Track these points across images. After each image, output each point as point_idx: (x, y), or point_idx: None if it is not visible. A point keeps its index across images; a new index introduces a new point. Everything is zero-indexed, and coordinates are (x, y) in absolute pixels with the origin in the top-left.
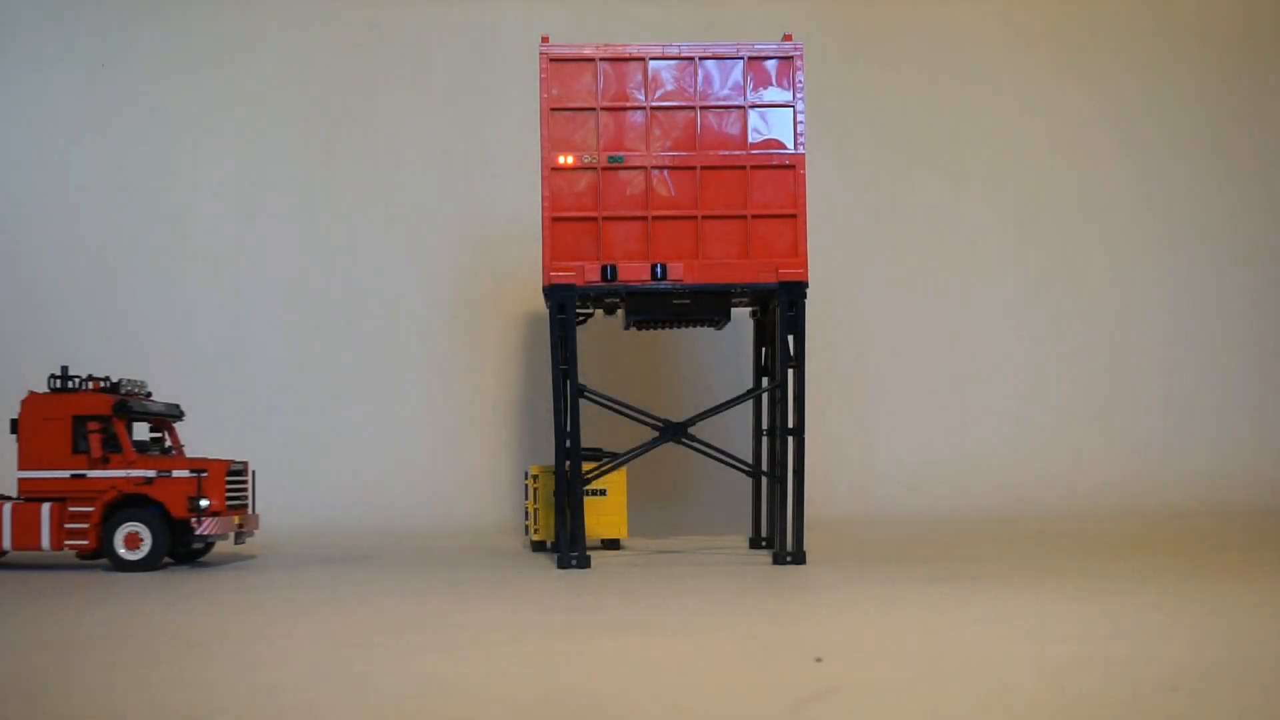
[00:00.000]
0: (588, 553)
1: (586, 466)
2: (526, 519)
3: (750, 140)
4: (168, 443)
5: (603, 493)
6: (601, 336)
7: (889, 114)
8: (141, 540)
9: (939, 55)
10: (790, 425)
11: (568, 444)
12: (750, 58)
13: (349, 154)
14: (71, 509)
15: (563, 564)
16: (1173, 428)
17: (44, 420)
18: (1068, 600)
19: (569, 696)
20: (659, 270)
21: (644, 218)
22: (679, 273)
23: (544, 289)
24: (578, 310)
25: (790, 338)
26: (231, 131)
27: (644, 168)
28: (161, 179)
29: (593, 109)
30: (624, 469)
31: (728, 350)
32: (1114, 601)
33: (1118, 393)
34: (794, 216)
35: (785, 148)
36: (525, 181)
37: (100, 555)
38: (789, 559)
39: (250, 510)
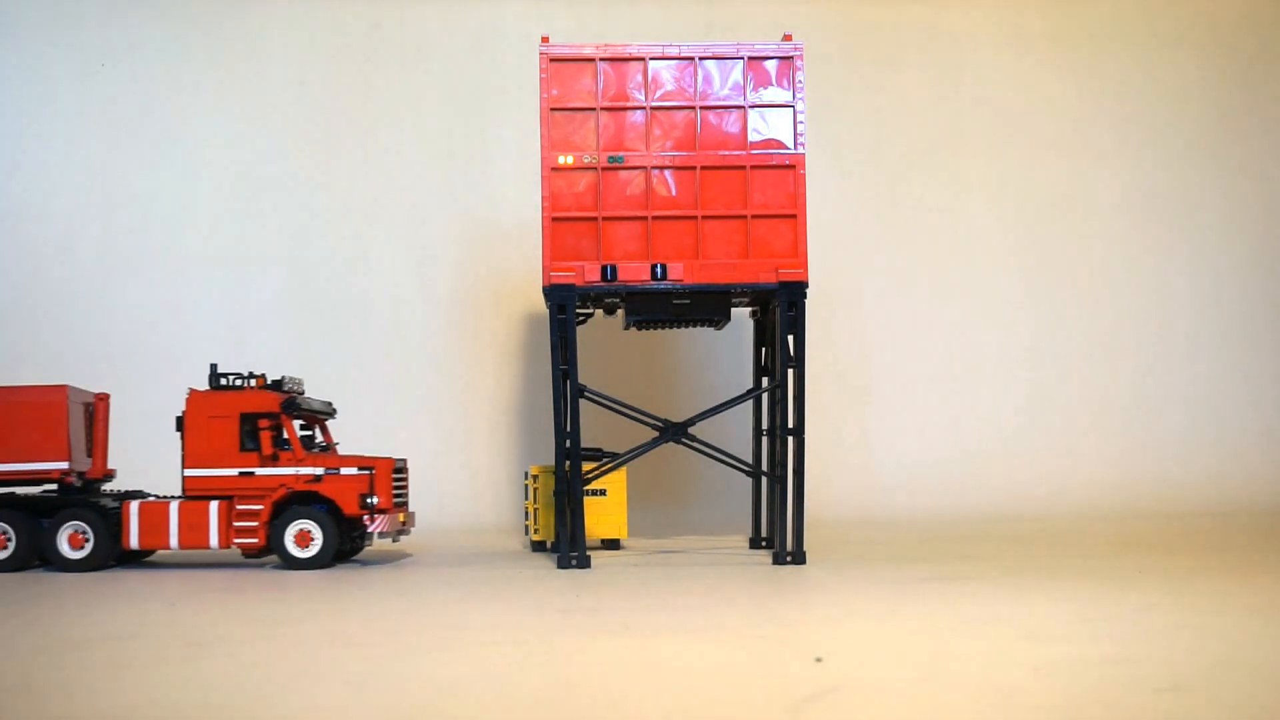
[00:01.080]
0: (588, 553)
1: (586, 466)
2: (526, 519)
3: (750, 140)
4: (319, 439)
5: (603, 493)
6: (601, 336)
7: (889, 114)
8: (312, 538)
9: (939, 55)
10: (790, 425)
11: (568, 444)
12: (750, 58)
13: (349, 154)
14: (239, 507)
15: (563, 564)
16: (1173, 428)
17: (210, 418)
18: (1067, 600)
19: (569, 696)
20: (659, 270)
21: (644, 218)
22: (679, 273)
23: (544, 289)
24: (578, 310)
25: (790, 338)
26: (231, 131)
27: (644, 168)
28: (161, 179)
29: (593, 109)
30: (624, 469)
31: (728, 350)
32: (1114, 601)
33: (1117, 392)
34: (794, 216)
35: (785, 148)
36: (525, 181)
37: (267, 553)
38: (789, 559)
39: (408, 507)
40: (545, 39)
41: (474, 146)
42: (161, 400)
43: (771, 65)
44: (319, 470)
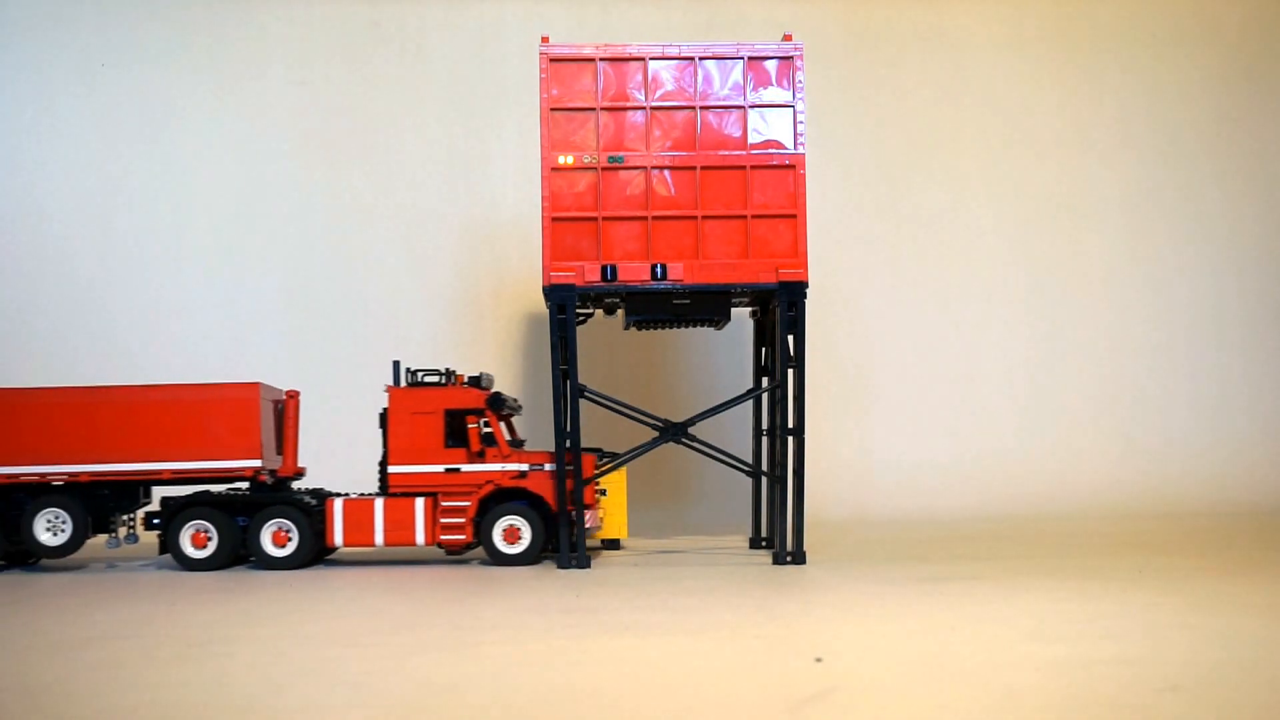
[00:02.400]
0: (588, 553)
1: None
2: None
3: (750, 140)
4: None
5: (603, 493)
6: (601, 336)
7: (889, 114)
8: (521, 534)
9: (939, 55)
10: (790, 425)
11: (568, 444)
12: (750, 58)
13: (349, 154)
14: (444, 503)
15: (563, 564)
16: (1173, 428)
17: (414, 415)
18: (1068, 600)
19: (569, 696)
20: (659, 270)
21: (644, 218)
22: (679, 273)
23: (544, 289)
24: (578, 310)
25: (790, 338)
26: (231, 131)
27: (644, 168)
28: (161, 179)
29: (593, 109)
30: (624, 469)
31: (728, 350)
32: (1114, 601)
33: (1118, 392)
34: (794, 216)
35: (785, 148)
36: (525, 181)
37: (472, 549)
38: (789, 559)
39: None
40: (545, 39)
41: (474, 146)
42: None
43: (771, 65)
44: (523, 466)
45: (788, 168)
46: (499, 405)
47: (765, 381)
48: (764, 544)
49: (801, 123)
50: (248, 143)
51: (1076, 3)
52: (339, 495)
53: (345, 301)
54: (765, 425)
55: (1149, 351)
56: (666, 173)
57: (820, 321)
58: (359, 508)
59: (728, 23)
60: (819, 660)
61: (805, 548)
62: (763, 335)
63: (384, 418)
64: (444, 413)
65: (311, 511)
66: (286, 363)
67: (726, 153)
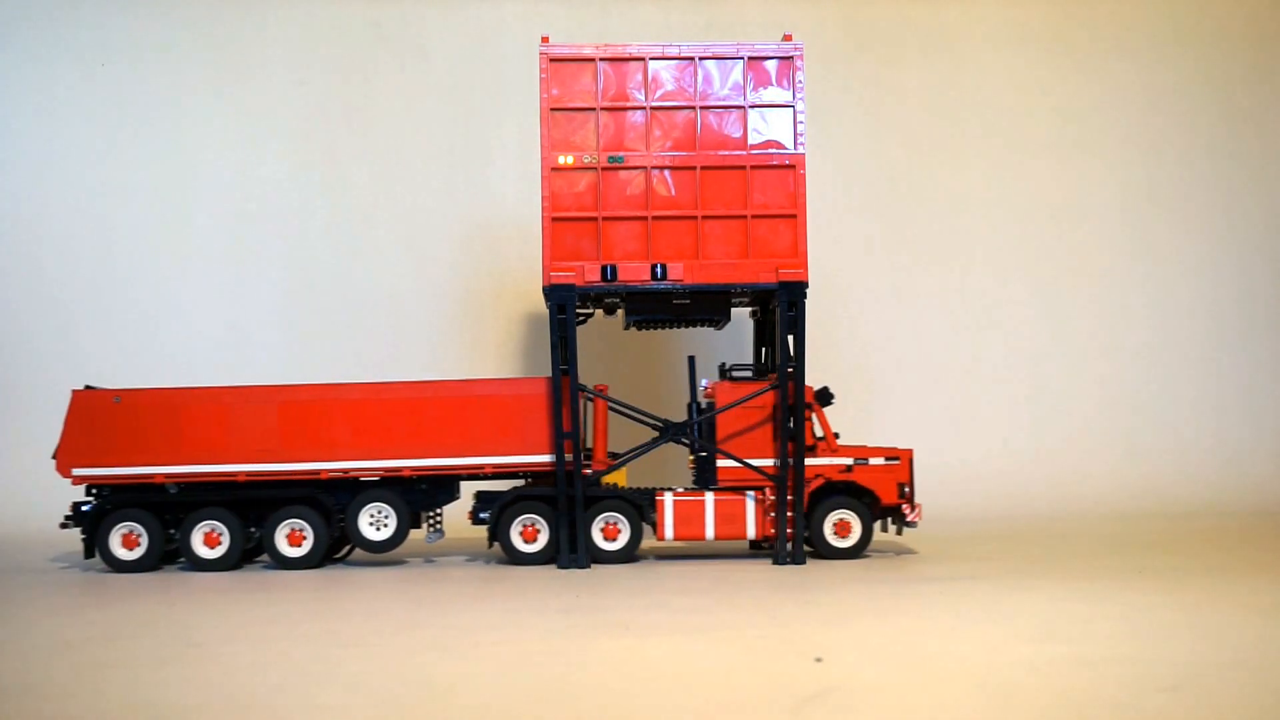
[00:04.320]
0: (587, 553)
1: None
2: None
3: (750, 140)
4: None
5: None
6: (601, 336)
7: (889, 114)
8: (851, 528)
9: (939, 55)
10: (790, 425)
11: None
12: (750, 58)
13: (349, 154)
14: (773, 497)
15: (563, 564)
16: (1174, 428)
17: (743, 410)
18: (1068, 600)
19: (568, 696)
20: (659, 270)
21: (644, 218)
22: (679, 273)
23: (544, 289)
24: (578, 310)
25: (790, 338)
26: (231, 131)
27: (644, 168)
28: (161, 179)
29: (593, 109)
30: (624, 469)
31: (728, 350)
32: (1114, 601)
33: (1118, 392)
34: (794, 216)
35: (785, 148)
36: (525, 181)
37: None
38: (789, 559)
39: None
40: (545, 39)
41: (474, 146)
42: None
43: (771, 65)
44: (849, 460)
45: (788, 168)
46: (827, 399)
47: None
48: (764, 544)
49: (801, 123)
50: (248, 142)
51: (1076, 3)
52: (668, 490)
53: (345, 301)
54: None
55: (1150, 352)
56: (666, 173)
57: (820, 321)
58: (689, 502)
59: (728, 23)
60: (819, 660)
61: (805, 548)
62: (763, 335)
63: (700, 411)
64: (772, 408)
65: (641, 506)
66: (286, 362)
67: (726, 153)
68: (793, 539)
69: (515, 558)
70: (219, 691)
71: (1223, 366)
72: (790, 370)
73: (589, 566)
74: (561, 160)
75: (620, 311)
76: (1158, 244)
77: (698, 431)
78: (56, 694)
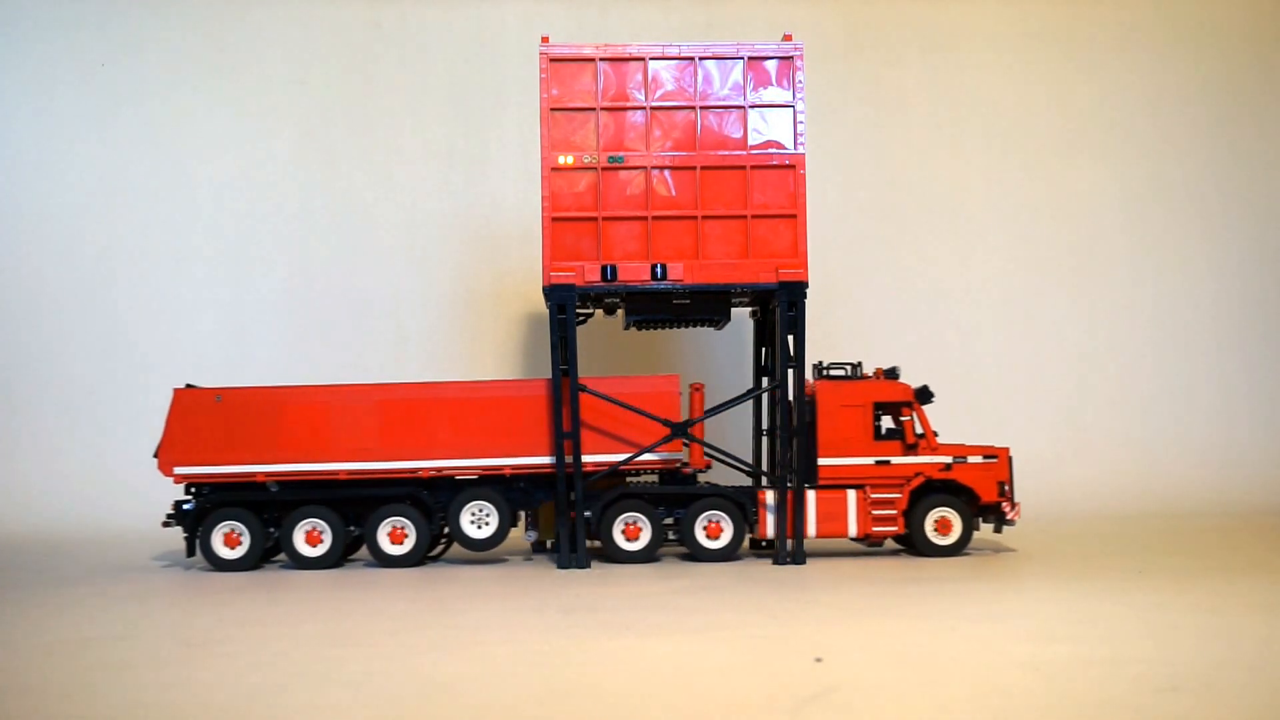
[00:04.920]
0: (587, 553)
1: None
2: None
3: (750, 140)
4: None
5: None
6: (601, 336)
7: (889, 114)
8: (952, 525)
9: (939, 55)
10: (790, 425)
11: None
12: (750, 58)
13: (349, 154)
14: (875, 495)
15: (563, 564)
16: (1175, 428)
17: (842, 407)
18: (1067, 600)
19: (568, 696)
20: (659, 270)
21: (644, 218)
22: (679, 273)
23: (544, 289)
24: (578, 310)
25: (790, 338)
26: (231, 131)
27: (644, 168)
28: (161, 179)
29: (593, 109)
30: None
31: (728, 350)
32: (1114, 602)
33: (1119, 392)
34: (794, 216)
35: (785, 148)
36: (525, 181)
37: (904, 540)
38: (789, 559)
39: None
40: (545, 39)
41: (474, 146)
42: (160, 400)
43: (771, 65)
44: (949, 459)
45: (788, 168)
46: (927, 398)
47: (765, 381)
48: (764, 544)
49: (801, 123)
50: (248, 143)
51: (1076, 3)
52: (768, 488)
53: (345, 301)
54: (765, 425)
55: (1150, 351)
56: (666, 173)
57: (820, 321)
58: (791, 500)
59: (728, 23)
60: (819, 660)
61: (805, 548)
62: (763, 335)
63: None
64: (873, 405)
65: (744, 504)
66: (286, 362)
67: (726, 153)
68: (792, 539)
69: (617, 556)
70: (219, 691)
71: (1224, 366)
72: (790, 370)
73: (589, 566)
74: (561, 160)
75: (620, 311)
76: (1159, 244)
77: (787, 430)
78: (56, 694)
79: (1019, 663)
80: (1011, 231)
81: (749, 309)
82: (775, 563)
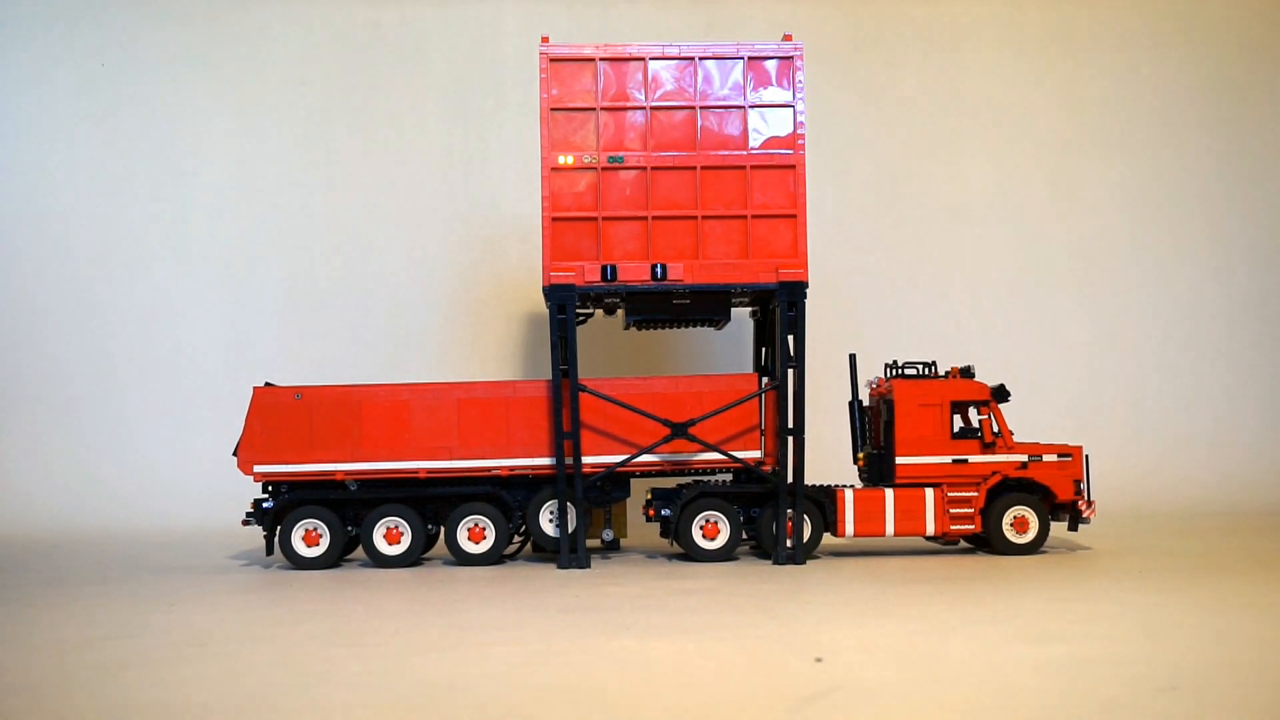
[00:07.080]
0: (587, 553)
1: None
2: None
3: (750, 140)
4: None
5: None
6: (601, 336)
7: (889, 114)
8: (1029, 524)
9: (939, 55)
10: (790, 425)
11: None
12: (750, 58)
13: (349, 154)
14: (952, 494)
15: (563, 564)
16: (1176, 428)
17: (920, 406)
18: (1067, 600)
19: (569, 696)
20: (659, 270)
21: (644, 218)
22: (679, 273)
23: (544, 289)
24: (578, 310)
25: (790, 337)
26: (232, 132)
27: (644, 168)
28: (161, 179)
29: (593, 109)
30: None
31: (728, 350)
32: (1114, 601)
33: (1118, 393)
34: (794, 216)
35: (785, 148)
36: (525, 181)
37: (980, 539)
38: (789, 559)
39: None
40: (545, 39)
41: (474, 146)
42: (159, 400)
43: (771, 65)
44: (1024, 457)
45: (788, 168)
46: (1003, 396)
47: (765, 381)
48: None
49: (801, 123)
50: (248, 143)
51: (1076, 3)
52: (848, 487)
53: (345, 301)
54: (765, 425)
55: (1151, 351)
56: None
57: (820, 321)
58: (870, 499)
59: (728, 23)
60: (819, 660)
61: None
62: (763, 335)
63: (862, 410)
64: (950, 404)
65: (823, 503)
66: (286, 363)
67: (726, 153)
68: (791, 538)
69: (696, 554)
70: (219, 691)
71: (1224, 366)
72: (791, 370)
73: (589, 566)
74: (561, 160)
75: (620, 311)
76: (1162, 244)
77: (864, 428)
78: (56, 694)
79: (1019, 663)
80: (1012, 231)
81: (749, 309)
82: (775, 563)
